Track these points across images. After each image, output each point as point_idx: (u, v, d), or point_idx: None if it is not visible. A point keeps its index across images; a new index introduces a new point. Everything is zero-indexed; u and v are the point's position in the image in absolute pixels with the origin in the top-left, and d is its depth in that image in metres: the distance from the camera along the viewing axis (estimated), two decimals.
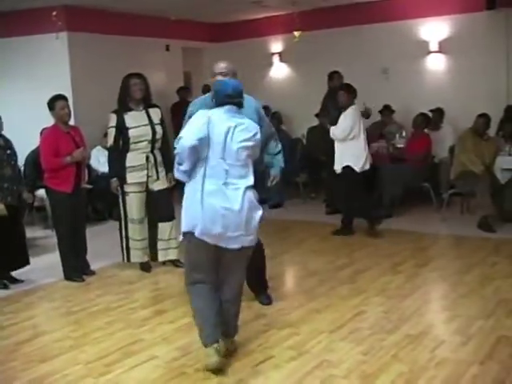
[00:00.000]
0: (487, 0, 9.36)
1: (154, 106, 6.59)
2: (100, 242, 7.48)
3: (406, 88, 10.33)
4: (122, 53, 10.22)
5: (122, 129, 6.33)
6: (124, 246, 6.58)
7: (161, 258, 6.69)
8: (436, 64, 10.26)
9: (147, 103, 6.51)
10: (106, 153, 9.28)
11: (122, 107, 6.42)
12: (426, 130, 9.33)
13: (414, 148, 8.95)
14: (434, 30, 10.14)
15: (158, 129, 6.45)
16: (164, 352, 4.54)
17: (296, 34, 10.74)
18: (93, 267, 6.66)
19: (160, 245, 6.62)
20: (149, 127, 6.38)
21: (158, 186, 6.48)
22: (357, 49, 10.74)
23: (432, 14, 10.09)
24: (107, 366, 4.35)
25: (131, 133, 6.30)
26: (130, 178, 6.39)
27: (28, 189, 6.92)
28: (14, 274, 6.41)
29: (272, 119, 7.88)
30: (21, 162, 7.63)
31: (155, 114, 6.50)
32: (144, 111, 6.44)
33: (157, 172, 6.45)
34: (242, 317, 4.61)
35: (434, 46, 10.18)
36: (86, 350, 4.64)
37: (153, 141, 6.40)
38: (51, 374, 4.25)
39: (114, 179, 6.44)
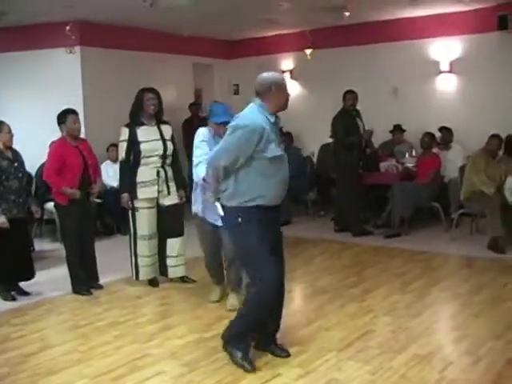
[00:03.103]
0: (499, 20, 9.38)
1: (165, 122, 6.59)
2: (108, 256, 7.44)
3: (416, 107, 10.34)
4: (133, 68, 10.28)
5: (133, 143, 6.31)
6: (133, 264, 6.55)
7: (170, 274, 6.67)
8: (447, 84, 10.26)
9: (159, 119, 6.52)
10: (115, 166, 9.39)
11: (135, 121, 6.41)
12: (435, 150, 9.33)
13: (424, 167, 8.95)
14: (445, 49, 10.15)
15: (169, 144, 6.45)
16: (171, 367, 4.52)
17: (307, 51, 10.78)
18: (101, 281, 6.65)
19: (169, 261, 6.60)
20: (160, 142, 6.38)
21: (169, 200, 6.47)
22: (368, 68, 10.76)
23: (443, 33, 10.10)
24: (114, 380, 4.34)
25: (143, 147, 6.28)
26: (141, 193, 6.36)
27: (37, 202, 6.94)
28: (21, 285, 6.42)
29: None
30: (32, 174, 7.68)
31: (166, 130, 6.51)
32: (156, 126, 6.44)
33: (167, 187, 6.44)
34: None
35: (444, 66, 10.19)
36: (93, 364, 4.63)
37: (164, 156, 6.39)
38: None
39: (126, 194, 6.40)
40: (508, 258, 7.38)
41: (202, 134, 5.66)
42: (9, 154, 6.21)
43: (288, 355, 4.61)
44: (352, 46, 10.92)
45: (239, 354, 4.41)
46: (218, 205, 4.39)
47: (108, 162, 9.65)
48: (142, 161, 6.34)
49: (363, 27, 10.68)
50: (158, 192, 6.40)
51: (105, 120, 9.44)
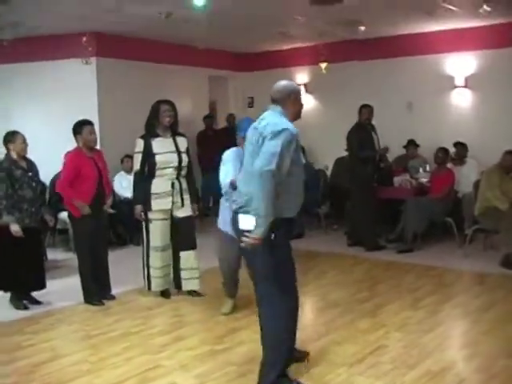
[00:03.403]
0: None
1: (181, 134, 6.60)
2: (121, 266, 7.45)
3: (431, 122, 10.31)
4: (149, 79, 10.33)
5: (148, 154, 6.33)
6: (145, 275, 6.57)
7: (184, 287, 6.66)
8: (461, 99, 10.23)
9: (174, 131, 6.53)
10: (129, 177, 9.42)
11: (150, 133, 6.43)
12: (450, 165, 9.30)
13: (438, 182, 8.92)
14: (460, 64, 10.13)
15: (184, 156, 6.46)
16: (182, 379, 4.52)
17: (322, 65, 10.79)
18: (113, 292, 6.66)
19: (183, 274, 6.59)
20: (175, 154, 6.39)
21: (183, 212, 6.47)
22: (383, 82, 10.76)
23: (459, 48, 10.09)
24: None
25: (158, 158, 6.30)
26: (155, 205, 6.37)
27: (51, 211, 6.95)
28: (33, 295, 6.44)
29: None
30: (46, 184, 7.71)
31: (182, 142, 6.52)
32: (171, 138, 6.46)
33: (182, 199, 6.45)
34: (260, 347, 4.57)
35: (459, 81, 10.17)
36: (103, 375, 4.63)
37: (179, 168, 6.41)
38: None
39: (139, 206, 6.42)
40: None
41: (226, 154, 5.72)
42: (23, 163, 6.26)
43: (307, 354, 4.69)
44: (367, 61, 10.91)
45: None
46: (243, 217, 4.17)
47: (122, 172, 9.68)
48: (157, 172, 6.35)
49: (378, 41, 10.67)
50: (172, 203, 6.41)
51: (120, 131, 9.48)
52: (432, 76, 10.36)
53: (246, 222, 4.08)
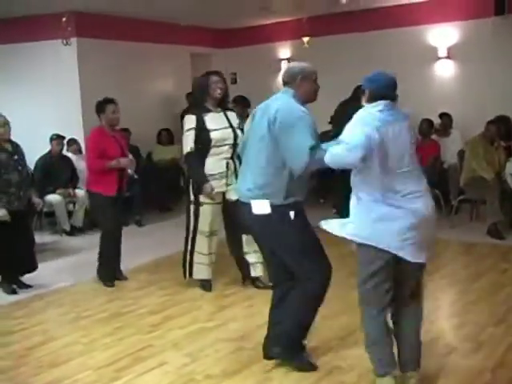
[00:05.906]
0: (496, 5, 9.33)
1: (230, 109, 6.12)
2: None
3: (414, 94, 10.28)
4: (131, 59, 10.23)
5: (202, 130, 5.72)
6: (188, 261, 6.04)
7: (253, 272, 6.04)
8: (445, 70, 10.24)
9: (224, 105, 6.01)
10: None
11: (200, 108, 5.86)
12: (434, 137, 9.32)
13: (423, 154, 8.92)
14: (442, 35, 10.12)
15: (239, 133, 5.78)
16: (173, 358, 4.54)
17: (305, 40, 10.74)
18: None
19: (249, 258, 5.99)
20: (230, 130, 5.80)
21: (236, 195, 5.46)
22: (366, 55, 10.70)
23: (441, 19, 10.07)
24: (117, 371, 4.35)
25: (213, 135, 5.69)
26: None
27: (37, 194, 6.92)
28: (23, 279, 6.42)
29: None
30: (30, 167, 7.67)
31: (233, 117, 5.94)
32: (222, 113, 5.89)
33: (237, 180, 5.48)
34: (253, 322, 4.59)
35: (442, 52, 10.17)
36: (96, 356, 4.65)
37: (234, 145, 5.73)
38: (61, 380, 4.26)
39: (207, 184, 5.71)
40: (507, 243, 7.40)
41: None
42: (8, 146, 6.18)
43: None
44: (350, 34, 10.85)
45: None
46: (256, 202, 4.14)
47: None
48: (212, 151, 5.74)
49: (361, 14, 10.62)
50: (227, 185, 5.83)
51: None
52: (415, 48, 10.33)
53: (260, 206, 4.08)
